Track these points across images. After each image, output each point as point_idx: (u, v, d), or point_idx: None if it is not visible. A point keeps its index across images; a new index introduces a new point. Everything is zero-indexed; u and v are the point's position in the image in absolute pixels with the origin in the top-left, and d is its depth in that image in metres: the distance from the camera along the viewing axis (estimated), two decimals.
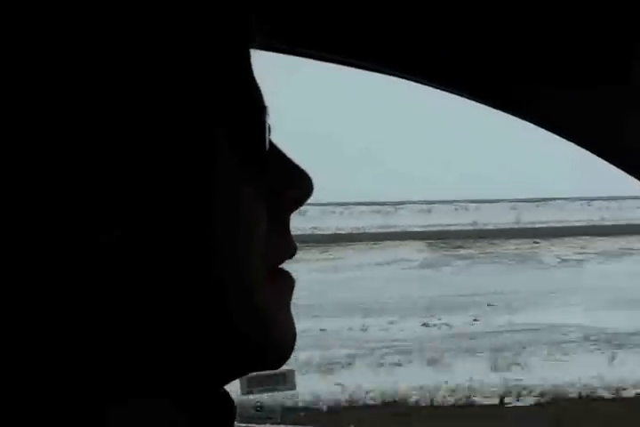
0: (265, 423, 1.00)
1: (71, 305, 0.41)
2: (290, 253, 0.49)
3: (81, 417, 0.42)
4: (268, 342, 0.47)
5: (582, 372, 7.03)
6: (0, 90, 0.38)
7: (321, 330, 8.40)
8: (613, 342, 8.14)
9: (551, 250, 12.56)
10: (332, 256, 12.22)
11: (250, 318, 0.46)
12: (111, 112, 0.40)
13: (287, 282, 0.50)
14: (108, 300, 0.41)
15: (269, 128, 0.48)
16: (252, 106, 0.47)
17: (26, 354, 0.41)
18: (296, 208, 0.50)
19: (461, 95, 0.80)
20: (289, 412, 5.43)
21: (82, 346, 0.42)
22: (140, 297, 0.42)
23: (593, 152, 0.81)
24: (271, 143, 0.49)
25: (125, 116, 0.40)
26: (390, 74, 0.80)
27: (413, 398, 6.77)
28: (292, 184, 0.49)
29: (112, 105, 0.40)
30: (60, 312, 0.41)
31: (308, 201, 0.51)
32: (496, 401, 6.70)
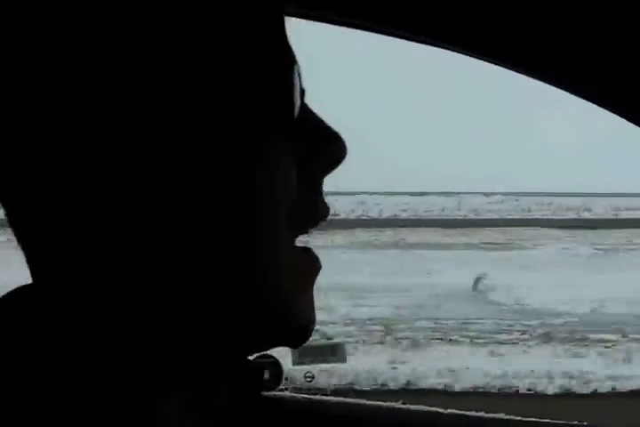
0: (315, 394, 1.03)
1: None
2: (321, 216, 0.49)
3: (113, 387, 0.43)
4: (289, 308, 0.47)
5: None
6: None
7: None
8: None
9: None
10: None
11: (272, 288, 0.45)
12: (164, 98, 0.42)
13: (314, 264, 0.49)
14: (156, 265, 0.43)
15: (303, 91, 0.48)
16: (284, 67, 0.46)
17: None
18: (329, 171, 0.49)
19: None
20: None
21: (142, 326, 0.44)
22: (181, 262, 0.43)
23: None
24: (304, 105, 0.48)
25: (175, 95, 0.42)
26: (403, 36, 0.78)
27: None
28: (325, 147, 0.48)
29: (167, 92, 0.42)
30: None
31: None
32: None
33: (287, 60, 0.46)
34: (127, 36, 0.41)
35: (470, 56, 0.76)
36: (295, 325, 0.47)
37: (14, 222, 0.46)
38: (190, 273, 0.43)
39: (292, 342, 0.49)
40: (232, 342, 0.46)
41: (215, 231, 0.43)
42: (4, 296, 0.47)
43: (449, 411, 0.93)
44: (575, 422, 0.95)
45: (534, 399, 5.58)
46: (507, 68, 0.76)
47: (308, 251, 0.49)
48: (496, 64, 0.76)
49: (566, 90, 0.76)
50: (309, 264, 0.49)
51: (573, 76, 0.75)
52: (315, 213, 0.48)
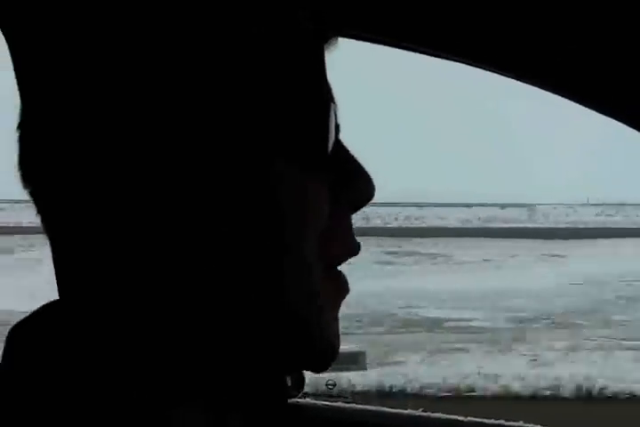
0: (336, 402, 1.03)
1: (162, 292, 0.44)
2: (353, 251, 0.49)
3: (140, 404, 0.44)
4: (316, 338, 0.47)
5: None
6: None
7: None
8: None
9: None
10: None
11: (303, 303, 0.46)
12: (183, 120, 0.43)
13: (342, 286, 0.49)
14: (187, 282, 0.44)
15: (337, 127, 0.49)
16: (316, 102, 0.47)
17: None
18: (357, 209, 0.50)
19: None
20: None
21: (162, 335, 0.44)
22: (212, 284, 0.44)
23: None
24: (338, 142, 0.49)
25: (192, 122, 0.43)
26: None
27: None
28: (354, 186, 0.49)
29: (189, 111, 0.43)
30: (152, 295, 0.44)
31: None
32: None
33: (325, 97, 0.48)
34: (154, 46, 0.43)
35: (471, 65, 0.76)
36: (319, 349, 0.47)
37: (50, 237, 0.47)
38: (215, 289, 0.44)
39: (315, 366, 0.49)
40: (255, 363, 0.47)
41: (245, 248, 0.44)
42: (37, 311, 0.48)
43: (468, 419, 0.93)
44: None
45: None
46: (510, 77, 0.76)
47: (338, 274, 0.49)
48: (498, 73, 0.76)
49: (567, 97, 0.76)
50: (338, 288, 0.49)
51: (574, 83, 0.75)
52: (344, 247, 0.49)
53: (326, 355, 0.48)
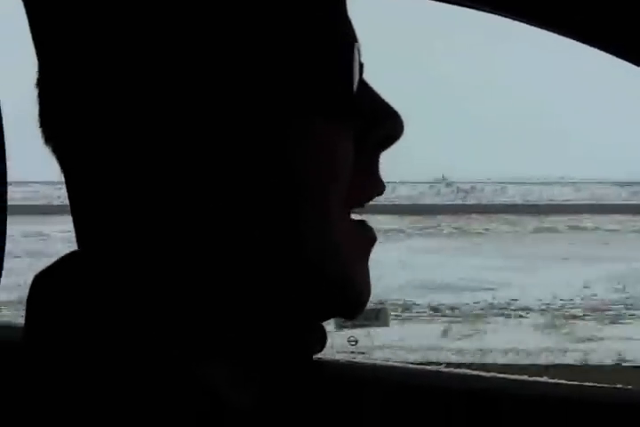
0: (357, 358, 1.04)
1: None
2: (376, 191, 0.49)
3: (170, 350, 0.44)
4: (345, 283, 0.47)
5: None
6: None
7: None
8: None
9: None
10: None
11: (326, 254, 0.46)
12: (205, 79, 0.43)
13: (369, 235, 0.50)
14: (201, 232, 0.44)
15: (361, 66, 0.48)
16: (339, 42, 0.46)
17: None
18: (385, 148, 0.49)
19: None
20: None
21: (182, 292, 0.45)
22: (225, 230, 0.44)
23: None
24: (362, 81, 0.48)
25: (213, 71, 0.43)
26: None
27: None
28: (382, 123, 0.48)
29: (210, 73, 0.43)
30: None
31: None
32: None
33: (347, 37, 0.47)
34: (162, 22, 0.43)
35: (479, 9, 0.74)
36: (350, 295, 0.48)
37: (70, 191, 0.47)
38: (235, 240, 0.44)
39: (348, 312, 0.49)
40: (287, 312, 0.47)
41: (266, 200, 0.44)
42: (56, 262, 0.48)
43: (491, 375, 0.93)
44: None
45: None
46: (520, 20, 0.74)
47: (362, 223, 0.49)
48: (508, 16, 0.74)
49: (580, 40, 0.73)
50: (364, 235, 0.49)
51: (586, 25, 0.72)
52: (371, 187, 0.49)
53: (358, 300, 0.48)
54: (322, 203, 0.45)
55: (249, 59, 0.43)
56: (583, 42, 0.73)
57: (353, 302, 0.48)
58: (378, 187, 0.49)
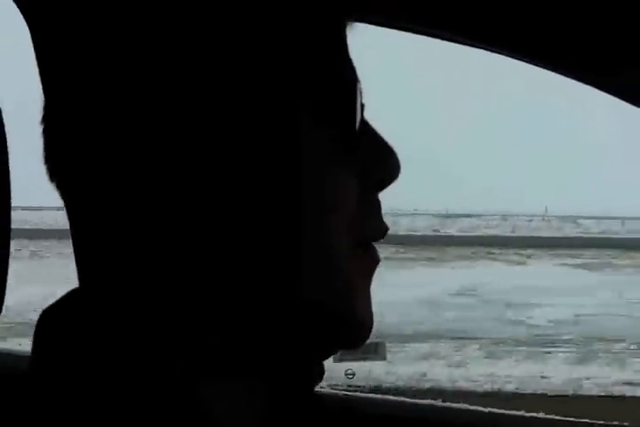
0: (355, 392, 1.03)
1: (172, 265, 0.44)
2: (380, 233, 0.49)
3: (173, 389, 0.44)
4: (347, 315, 0.47)
5: None
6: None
7: None
8: None
9: None
10: None
11: (329, 290, 0.46)
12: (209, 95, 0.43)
13: (372, 258, 0.49)
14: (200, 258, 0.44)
15: (362, 106, 0.49)
16: (342, 83, 0.47)
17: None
18: (381, 189, 0.50)
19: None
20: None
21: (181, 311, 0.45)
22: (222, 258, 0.44)
23: None
24: (364, 121, 0.49)
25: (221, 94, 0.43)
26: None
27: None
28: (380, 164, 0.48)
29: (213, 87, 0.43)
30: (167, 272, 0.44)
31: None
32: None
33: (350, 77, 0.48)
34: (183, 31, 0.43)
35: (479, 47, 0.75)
36: (354, 317, 0.47)
37: (73, 227, 0.48)
38: (238, 272, 0.44)
39: (348, 343, 0.49)
40: (289, 347, 0.47)
41: (268, 228, 0.44)
42: (62, 298, 0.49)
43: (489, 410, 0.93)
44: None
45: None
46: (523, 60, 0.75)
47: (367, 249, 0.49)
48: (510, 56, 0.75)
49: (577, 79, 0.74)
50: (367, 262, 0.49)
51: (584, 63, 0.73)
52: (373, 227, 0.49)
53: (361, 329, 0.48)
54: (324, 231, 0.45)
55: (252, 89, 0.44)
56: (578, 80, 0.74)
57: (356, 332, 0.48)
58: (381, 226, 0.49)
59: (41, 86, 0.48)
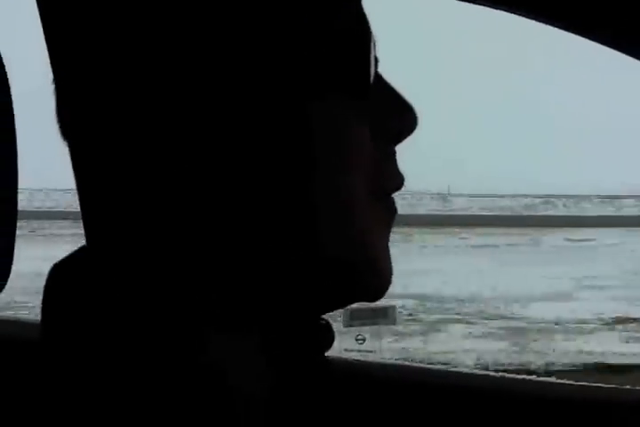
0: (366, 357, 1.03)
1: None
2: (397, 183, 0.49)
3: (182, 338, 0.44)
4: (363, 267, 0.47)
5: None
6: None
7: None
8: None
9: None
10: None
11: (344, 241, 0.46)
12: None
13: (389, 209, 0.50)
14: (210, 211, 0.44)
15: (376, 59, 0.49)
16: (353, 34, 0.47)
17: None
18: (399, 141, 0.50)
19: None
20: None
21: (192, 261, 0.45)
22: (235, 209, 0.44)
23: None
24: (378, 75, 0.49)
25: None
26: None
27: None
28: (396, 115, 0.49)
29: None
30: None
31: None
32: None
33: (363, 30, 0.48)
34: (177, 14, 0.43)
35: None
36: (371, 269, 0.47)
37: (80, 188, 0.48)
38: (252, 229, 0.44)
39: (370, 293, 0.49)
40: (307, 297, 0.47)
41: (280, 183, 0.44)
42: (69, 256, 0.49)
43: (500, 375, 0.93)
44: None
45: None
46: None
47: (386, 200, 0.49)
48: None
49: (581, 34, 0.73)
50: (384, 210, 0.49)
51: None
52: (390, 178, 0.49)
53: (378, 279, 0.48)
54: (338, 184, 0.45)
55: (266, 44, 0.43)
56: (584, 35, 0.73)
57: (376, 284, 0.48)
58: (397, 178, 0.49)
59: (47, 50, 0.47)
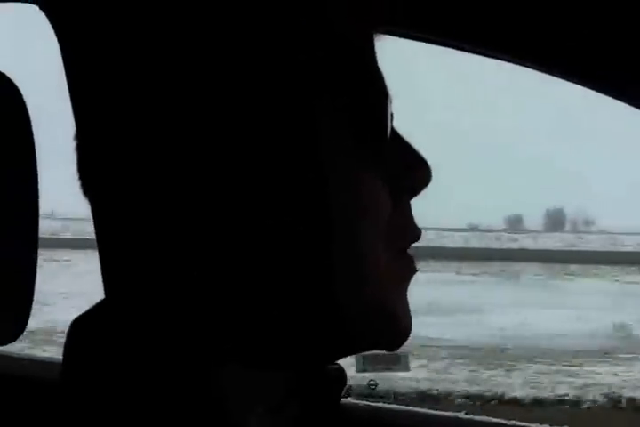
0: (378, 402, 1.03)
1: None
2: (414, 236, 0.50)
3: (186, 374, 0.46)
4: (381, 326, 0.48)
5: None
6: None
7: None
8: None
9: None
10: None
11: (361, 301, 0.46)
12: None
13: (408, 267, 0.50)
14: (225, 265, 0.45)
15: (392, 115, 0.50)
16: (371, 91, 0.48)
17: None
18: (414, 195, 0.50)
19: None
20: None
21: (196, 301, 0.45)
22: (251, 266, 0.45)
23: None
24: (393, 130, 0.50)
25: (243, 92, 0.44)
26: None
27: None
28: (411, 171, 0.49)
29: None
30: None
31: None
32: None
33: (380, 87, 0.49)
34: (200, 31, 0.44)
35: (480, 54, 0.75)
36: (390, 327, 0.48)
37: (101, 243, 0.50)
38: (266, 276, 0.45)
39: (389, 344, 0.50)
40: (323, 346, 0.48)
41: (296, 240, 0.45)
42: (91, 309, 0.50)
43: (512, 422, 0.93)
44: None
45: None
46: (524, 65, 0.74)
47: (403, 254, 0.50)
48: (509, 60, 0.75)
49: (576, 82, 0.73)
50: (403, 267, 0.50)
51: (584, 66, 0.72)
52: (407, 232, 0.50)
53: (399, 332, 0.49)
54: (353, 236, 0.46)
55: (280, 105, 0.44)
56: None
57: (394, 335, 0.49)
58: (414, 231, 0.50)
59: (72, 108, 0.50)
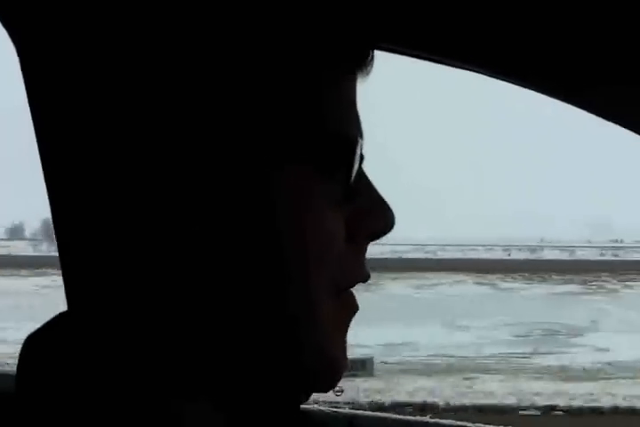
0: (345, 408, 1.02)
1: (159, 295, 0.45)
2: (361, 278, 0.50)
3: (155, 410, 0.45)
4: (321, 368, 0.47)
5: None
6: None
7: None
8: None
9: None
10: None
11: (303, 339, 0.46)
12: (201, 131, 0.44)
13: (351, 306, 0.50)
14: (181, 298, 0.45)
15: (361, 157, 0.49)
16: (343, 140, 0.47)
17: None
18: (373, 240, 0.50)
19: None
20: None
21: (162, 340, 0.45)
22: (205, 302, 0.45)
23: None
24: (360, 172, 0.49)
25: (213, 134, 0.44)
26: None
27: None
28: (373, 216, 0.49)
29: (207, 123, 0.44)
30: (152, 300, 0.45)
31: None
32: None
33: (352, 134, 0.48)
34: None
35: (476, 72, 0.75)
36: (327, 369, 0.48)
37: (62, 253, 0.48)
38: (220, 309, 0.45)
39: (323, 385, 0.49)
40: (251, 386, 0.47)
41: (246, 272, 0.44)
42: (47, 323, 0.49)
43: (477, 425, 0.93)
44: None
45: None
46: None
47: (347, 294, 0.49)
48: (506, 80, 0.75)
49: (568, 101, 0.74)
50: (345, 308, 0.49)
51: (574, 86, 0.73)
52: (356, 275, 0.49)
53: (334, 373, 0.48)
54: (305, 277, 0.45)
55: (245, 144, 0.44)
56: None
57: (330, 381, 0.48)
58: (363, 274, 0.50)
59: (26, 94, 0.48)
